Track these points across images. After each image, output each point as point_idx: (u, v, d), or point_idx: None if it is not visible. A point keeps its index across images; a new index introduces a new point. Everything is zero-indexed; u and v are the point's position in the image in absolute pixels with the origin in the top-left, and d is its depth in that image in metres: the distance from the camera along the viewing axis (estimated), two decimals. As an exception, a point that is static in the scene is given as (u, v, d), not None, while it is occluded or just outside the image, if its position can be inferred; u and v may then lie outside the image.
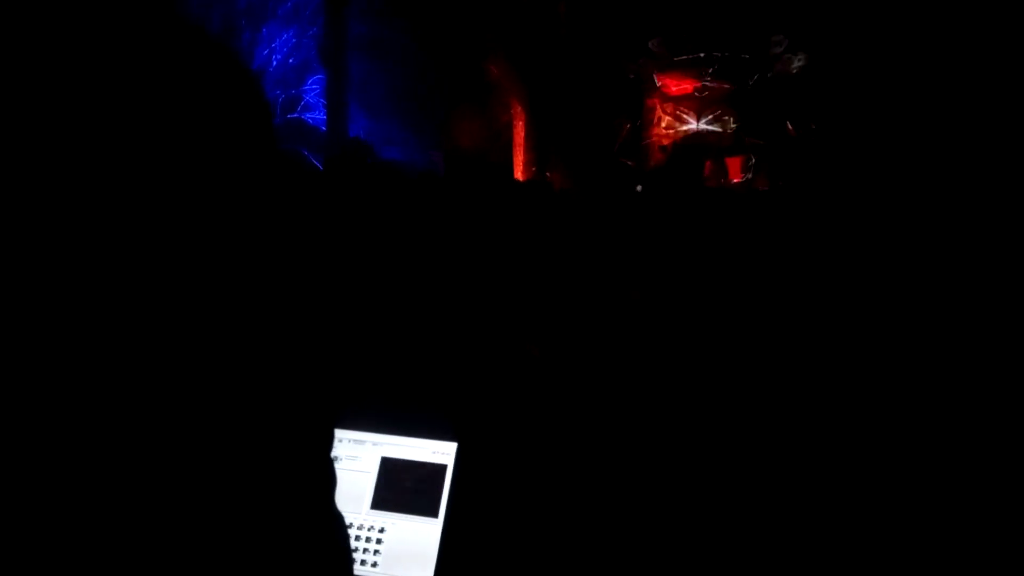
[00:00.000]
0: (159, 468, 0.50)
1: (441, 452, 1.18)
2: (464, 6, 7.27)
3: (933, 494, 2.73)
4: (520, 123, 8.16)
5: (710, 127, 9.32)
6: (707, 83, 9.12)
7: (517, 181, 6.89)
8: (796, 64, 8.47)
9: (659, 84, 9.31)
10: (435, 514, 1.15)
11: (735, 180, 8.87)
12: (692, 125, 9.38)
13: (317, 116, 7.24)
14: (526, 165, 8.06)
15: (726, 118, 9.27)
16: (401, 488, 1.19)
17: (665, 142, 9.35)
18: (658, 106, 9.38)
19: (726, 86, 9.00)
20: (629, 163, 8.86)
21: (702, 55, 8.89)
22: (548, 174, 8.25)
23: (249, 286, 0.59)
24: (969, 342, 3.28)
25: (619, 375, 2.70)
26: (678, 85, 9.29)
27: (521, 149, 7.93)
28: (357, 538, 1.15)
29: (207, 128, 0.56)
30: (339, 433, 1.27)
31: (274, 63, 7.18)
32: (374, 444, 1.20)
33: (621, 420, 2.25)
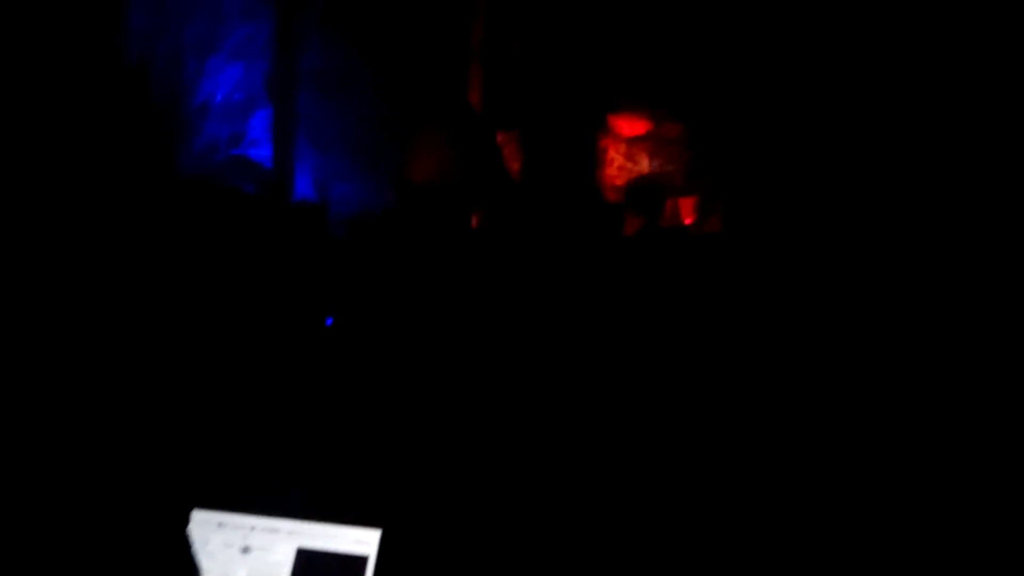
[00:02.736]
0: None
1: (363, 541, 1.05)
2: (418, 38, 7.26)
3: (919, 501, 2.63)
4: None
5: (663, 168, 9.42)
6: (659, 124, 9.24)
7: (471, 224, 6.78)
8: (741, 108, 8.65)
9: (611, 125, 9.40)
10: (354, 614, 1.02)
11: (688, 221, 8.96)
12: (644, 166, 9.47)
13: (263, 152, 7.07)
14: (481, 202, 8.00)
15: (678, 159, 9.39)
16: (317, 584, 1.05)
17: (618, 183, 9.41)
18: (611, 147, 9.46)
19: (678, 127, 9.13)
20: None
21: (654, 97, 9.02)
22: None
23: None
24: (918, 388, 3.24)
25: (559, 442, 2.55)
26: (630, 127, 9.40)
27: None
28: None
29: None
30: (251, 520, 1.13)
31: (219, 97, 7.01)
32: (289, 533, 1.06)
33: (563, 499, 2.08)
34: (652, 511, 2.50)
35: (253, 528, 1.13)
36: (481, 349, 3.96)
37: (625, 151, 9.39)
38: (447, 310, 4.33)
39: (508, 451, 2.86)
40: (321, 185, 6.99)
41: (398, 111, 6.90)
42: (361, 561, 1.05)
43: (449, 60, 8.18)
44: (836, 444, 2.92)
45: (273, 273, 5.03)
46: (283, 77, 6.64)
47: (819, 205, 7.18)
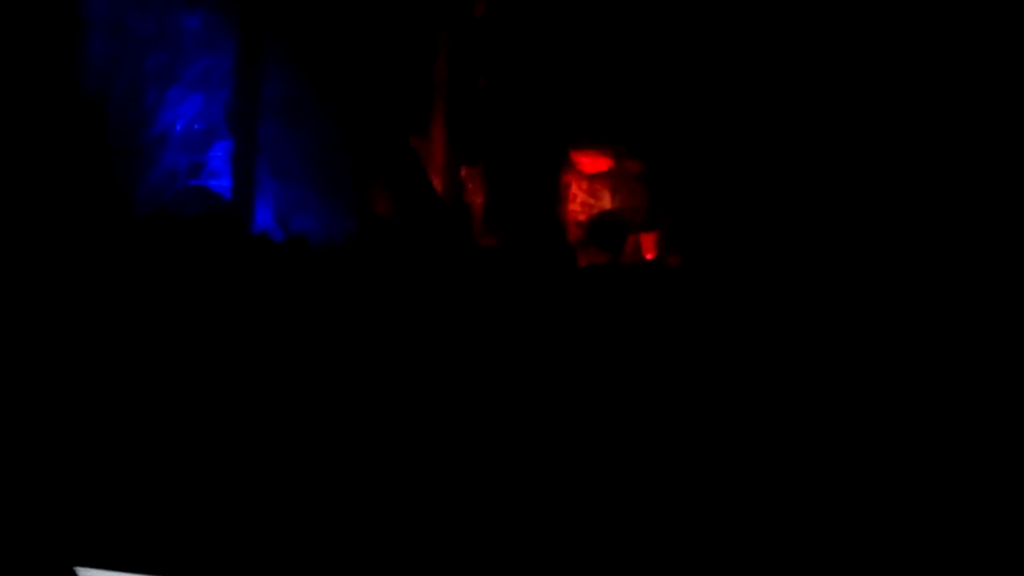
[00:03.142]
0: None
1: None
2: (378, 68, 7.29)
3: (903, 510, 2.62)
4: (436, 180, 8.12)
5: (624, 204, 9.54)
6: (621, 161, 9.38)
7: (440, 253, 6.76)
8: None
9: (574, 162, 9.51)
10: None
11: (649, 256, 9.06)
12: (606, 202, 9.58)
13: (222, 183, 6.97)
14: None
15: (639, 196, 9.53)
16: None
17: (581, 219, 9.49)
18: (573, 183, 9.56)
19: (639, 164, 9.27)
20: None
21: (616, 134, 9.17)
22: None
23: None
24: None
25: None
26: (592, 163, 9.52)
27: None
28: None
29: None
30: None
31: (179, 127, 6.92)
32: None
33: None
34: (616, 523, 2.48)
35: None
36: (444, 376, 3.91)
37: (587, 187, 9.50)
38: (416, 343, 4.28)
39: (460, 488, 2.81)
40: (281, 216, 6.91)
41: (359, 143, 6.89)
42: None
43: (412, 96, 8.23)
44: (799, 468, 2.94)
45: (231, 304, 4.90)
46: (244, 108, 6.58)
47: (779, 239, 7.32)
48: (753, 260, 7.38)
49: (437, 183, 8.25)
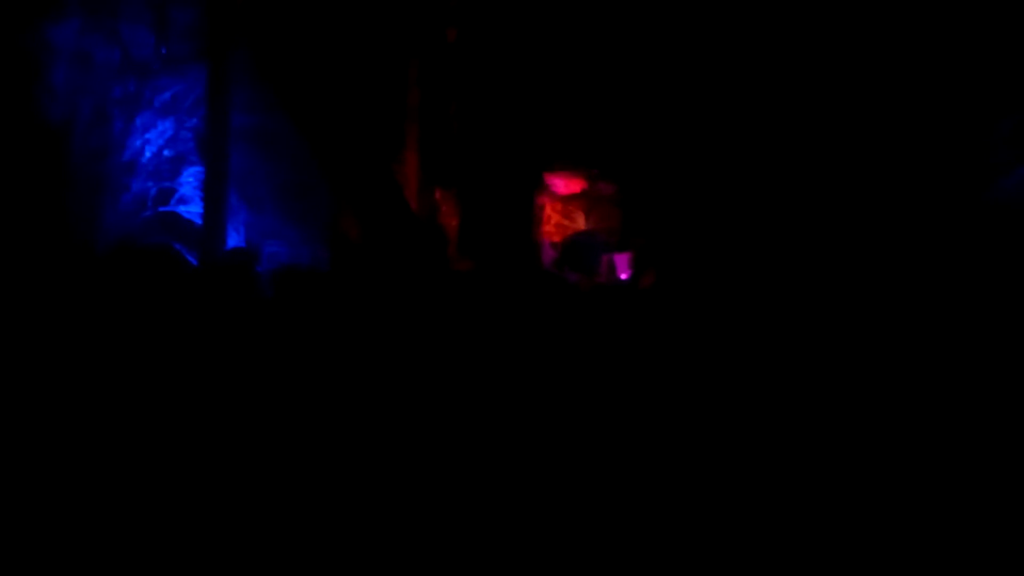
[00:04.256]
0: None
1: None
2: (351, 95, 7.29)
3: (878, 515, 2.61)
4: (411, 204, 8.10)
5: (598, 225, 9.60)
6: (594, 183, 9.45)
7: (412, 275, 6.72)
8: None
9: (548, 184, 9.56)
10: None
11: (623, 276, 9.10)
12: (580, 223, 9.64)
13: (193, 209, 6.89)
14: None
15: (613, 217, 9.60)
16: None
17: (555, 239, 9.53)
18: (548, 205, 9.61)
19: (612, 186, 9.36)
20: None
21: (587, 158, 9.24)
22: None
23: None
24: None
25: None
26: (566, 185, 9.59)
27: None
28: None
29: None
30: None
31: (147, 154, 6.84)
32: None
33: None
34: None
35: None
36: (421, 400, 3.85)
37: (562, 209, 9.56)
38: (391, 361, 4.22)
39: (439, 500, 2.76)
40: (252, 243, 6.84)
41: (330, 170, 6.86)
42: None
43: (386, 120, 8.24)
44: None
45: (202, 332, 4.81)
46: (215, 135, 6.53)
47: (752, 257, 7.40)
48: (727, 279, 7.44)
49: (411, 206, 8.25)
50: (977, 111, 6.62)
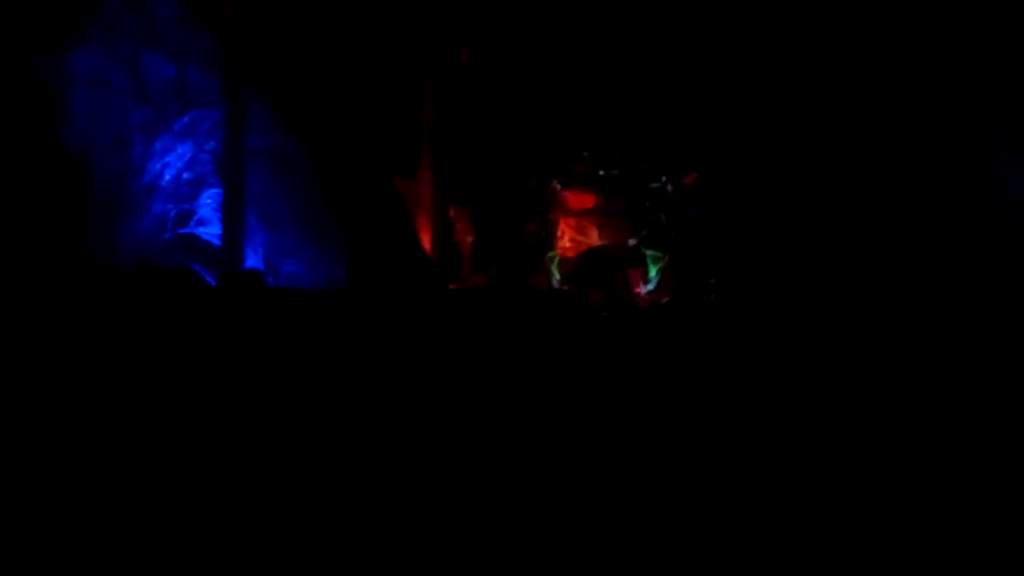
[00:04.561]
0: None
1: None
2: (366, 115, 7.35)
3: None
4: (426, 236, 8.13)
5: (612, 240, 9.59)
6: (606, 198, 9.45)
7: (427, 294, 6.74)
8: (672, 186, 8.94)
9: (561, 199, 9.58)
10: None
11: (637, 291, 9.08)
12: (594, 238, 9.63)
13: (212, 231, 6.94)
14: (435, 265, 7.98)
15: (626, 232, 9.59)
16: None
17: (570, 255, 9.53)
18: (561, 220, 9.62)
19: (624, 201, 9.36)
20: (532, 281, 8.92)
21: (600, 172, 9.26)
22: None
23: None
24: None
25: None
26: (579, 200, 9.60)
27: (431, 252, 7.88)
28: None
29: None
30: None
31: (167, 177, 6.91)
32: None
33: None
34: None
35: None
36: (432, 417, 3.85)
37: (575, 224, 9.57)
38: (402, 384, 4.22)
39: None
40: (270, 263, 6.88)
41: (344, 192, 6.91)
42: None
43: (401, 139, 8.30)
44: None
45: (224, 351, 4.84)
46: (233, 157, 6.59)
47: (766, 271, 7.37)
48: (742, 293, 7.42)
49: (426, 224, 8.28)
50: (974, 113, 6.61)
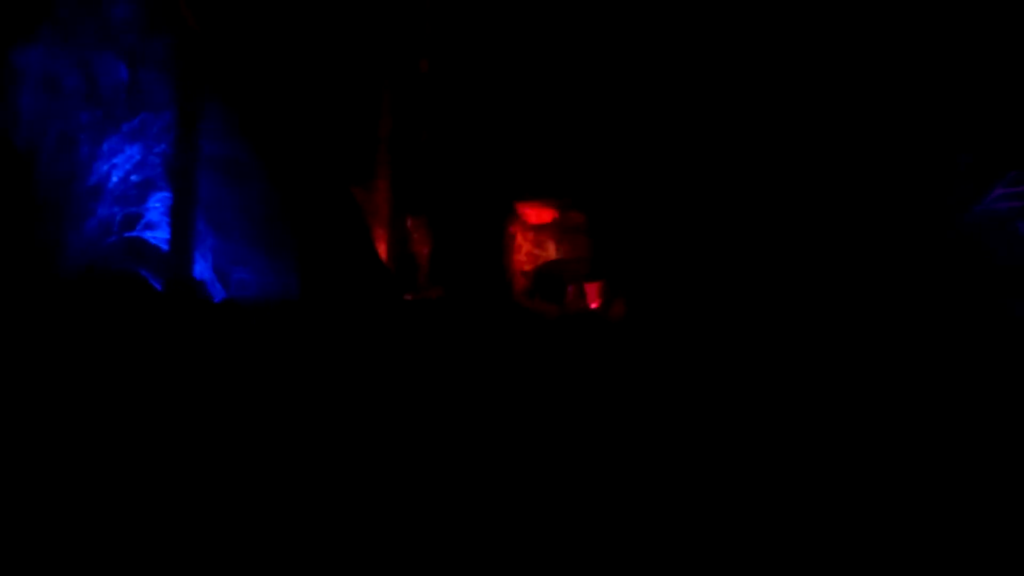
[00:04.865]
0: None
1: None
2: (321, 124, 7.33)
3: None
4: (383, 245, 8.09)
5: (568, 255, 9.67)
6: (565, 213, 9.54)
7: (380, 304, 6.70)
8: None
9: (519, 213, 9.64)
10: None
11: (594, 305, 9.16)
12: (551, 252, 9.71)
13: (160, 235, 6.79)
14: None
15: (583, 246, 9.68)
16: None
17: (527, 268, 9.58)
18: (519, 234, 9.68)
19: (582, 216, 9.46)
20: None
21: (558, 188, 9.35)
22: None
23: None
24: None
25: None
26: (537, 215, 9.67)
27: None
28: None
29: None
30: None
31: (114, 179, 6.74)
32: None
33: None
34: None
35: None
36: (390, 425, 3.83)
37: (533, 238, 9.63)
38: (376, 388, 4.19)
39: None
40: (220, 269, 6.76)
41: (297, 199, 6.85)
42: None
43: (358, 149, 8.27)
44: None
45: (165, 360, 4.74)
46: (184, 160, 6.48)
47: (721, 286, 7.50)
48: (696, 308, 7.53)
49: (382, 234, 8.25)
50: (937, 146, 6.86)
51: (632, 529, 2.76)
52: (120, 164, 6.68)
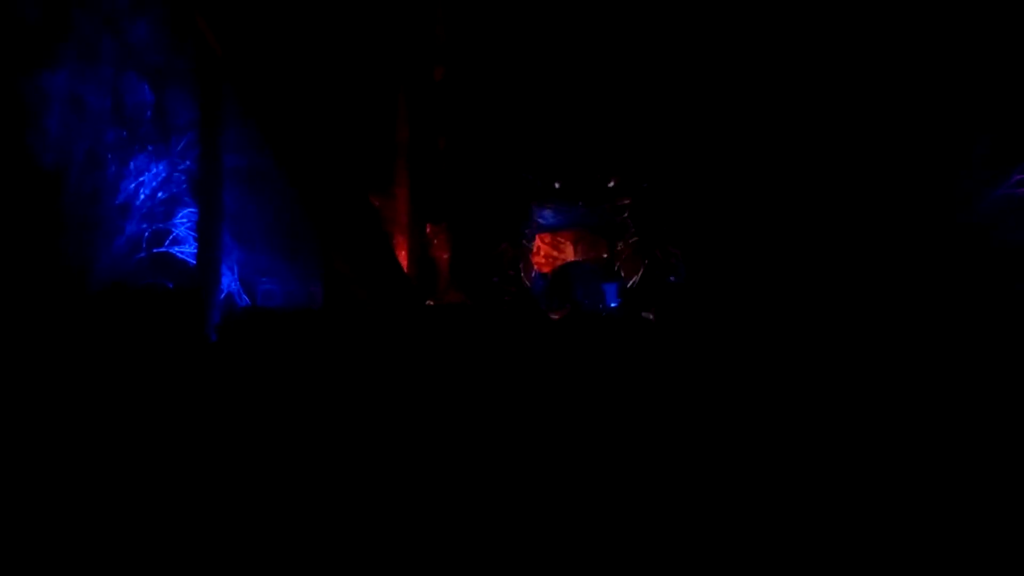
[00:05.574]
0: None
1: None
2: (341, 134, 7.41)
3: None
4: (403, 252, 8.18)
5: (586, 256, 9.70)
6: (580, 215, 9.57)
7: (400, 310, 6.78)
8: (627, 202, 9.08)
9: (536, 216, 9.68)
10: None
11: (612, 305, 9.19)
12: (569, 254, 9.74)
13: (187, 250, 6.93)
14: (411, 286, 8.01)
15: (599, 248, 9.71)
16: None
17: (545, 270, 9.63)
18: (537, 237, 9.73)
19: (597, 219, 9.48)
20: (508, 291, 8.99)
21: (571, 190, 9.38)
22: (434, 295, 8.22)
23: None
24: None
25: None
26: (555, 217, 9.71)
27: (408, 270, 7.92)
28: None
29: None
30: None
31: (141, 197, 6.90)
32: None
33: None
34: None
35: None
36: (414, 434, 3.89)
37: (550, 240, 9.68)
38: (397, 395, 4.25)
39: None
40: (246, 282, 6.88)
41: (320, 210, 6.95)
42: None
43: (377, 157, 8.36)
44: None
45: (199, 369, 4.85)
46: (209, 175, 6.62)
47: (737, 287, 7.50)
48: (712, 309, 7.54)
49: (402, 241, 8.34)
50: (956, 128, 6.84)
51: (654, 528, 2.80)
52: (147, 182, 6.83)
